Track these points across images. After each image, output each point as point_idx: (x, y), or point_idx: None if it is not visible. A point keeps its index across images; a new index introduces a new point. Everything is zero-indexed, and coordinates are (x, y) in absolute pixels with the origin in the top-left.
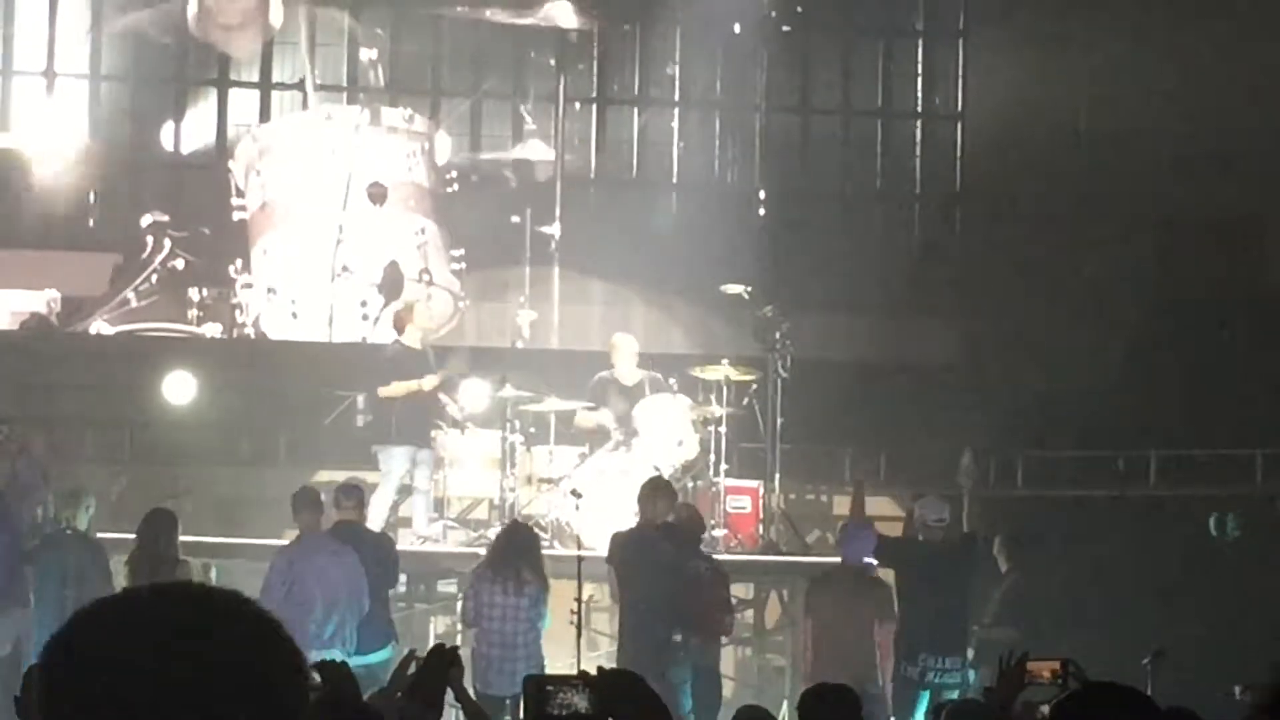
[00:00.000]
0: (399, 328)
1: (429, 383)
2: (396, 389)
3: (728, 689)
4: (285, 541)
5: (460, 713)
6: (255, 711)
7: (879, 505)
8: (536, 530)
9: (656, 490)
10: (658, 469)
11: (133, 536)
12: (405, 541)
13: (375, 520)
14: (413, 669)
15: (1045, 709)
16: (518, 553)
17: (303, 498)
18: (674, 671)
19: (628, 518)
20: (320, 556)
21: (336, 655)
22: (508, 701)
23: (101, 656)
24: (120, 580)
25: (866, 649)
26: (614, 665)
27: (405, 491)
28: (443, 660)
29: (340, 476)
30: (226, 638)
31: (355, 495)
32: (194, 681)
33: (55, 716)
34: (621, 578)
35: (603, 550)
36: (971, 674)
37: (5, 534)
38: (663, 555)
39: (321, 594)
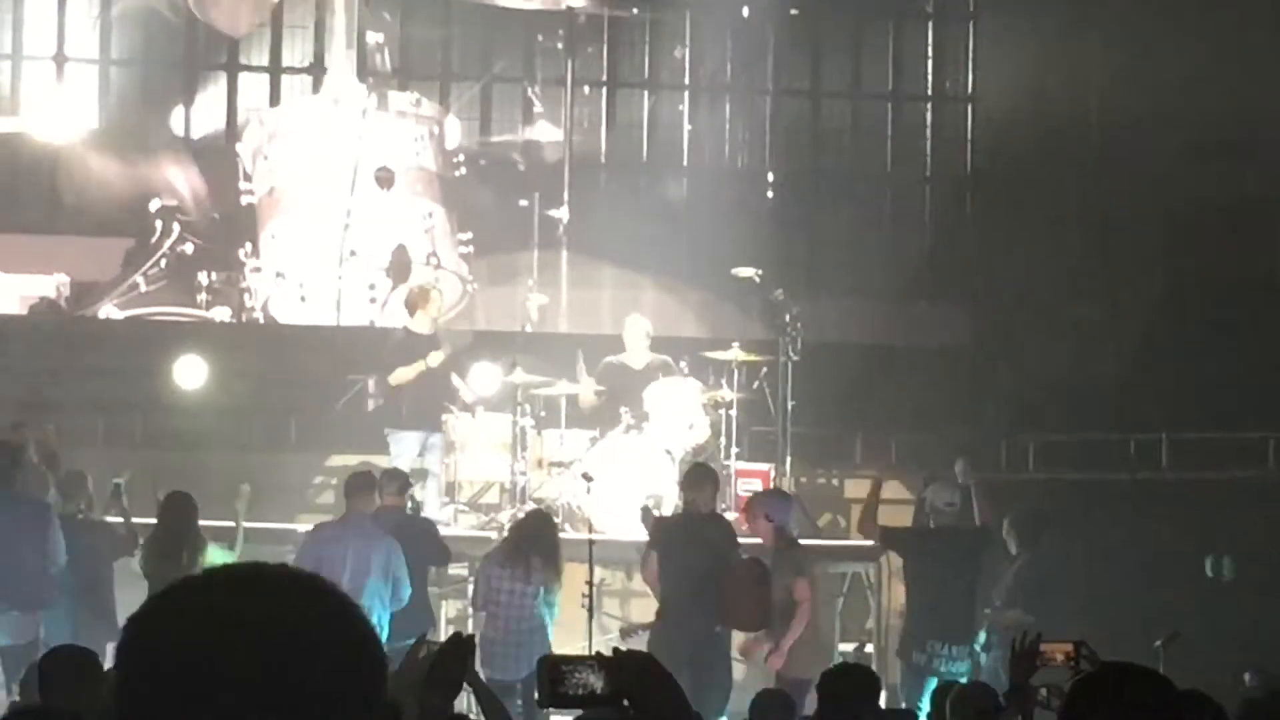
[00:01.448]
0: (410, 310)
1: (435, 359)
2: (405, 375)
3: (738, 671)
4: (299, 526)
5: (472, 696)
6: (332, 704)
7: (889, 488)
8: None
9: (701, 477)
10: (669, 452)
11: (138, 521)
12: None
13: None
14: (424, 654)
15: (1044, 691)
16: (531, 542)
17: (355, 481)
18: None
19: (638, 500)
20: (353, 541)
21: None
22: (518, 686)
23: (178, 639)
24: (135, 564)
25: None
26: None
27: (418, 475)
28: (460, 649)
29: (352, 461)
30: (309, 624)
31: (398, 480)
32: (269, 668)
33: (130, 697)
34: (663, 566)
35: (614, 533)
36: (984, 657)
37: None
38: (709, 545)
39: (347, 579)
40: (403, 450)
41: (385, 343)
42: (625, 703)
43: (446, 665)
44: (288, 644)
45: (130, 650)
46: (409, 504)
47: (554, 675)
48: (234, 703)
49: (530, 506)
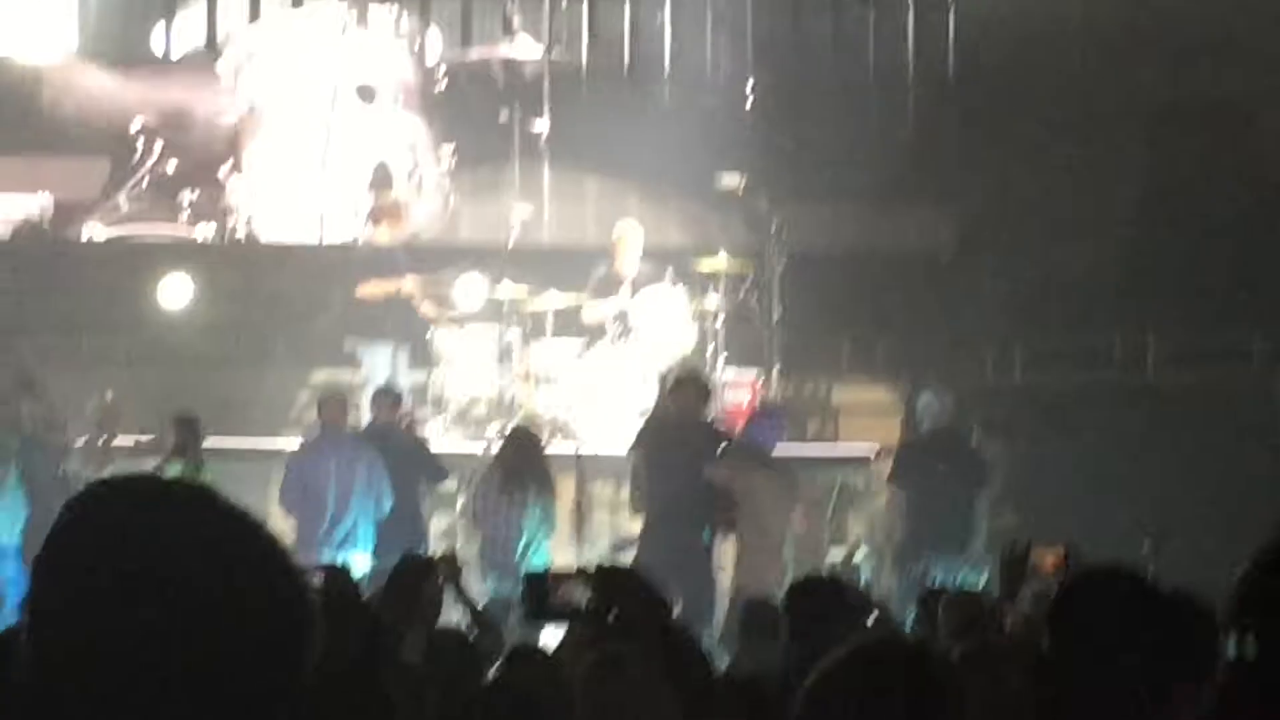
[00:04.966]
0: (375, 220)
1: (408, 285)
2: (373, 290)
3: (723, 581)
4: (282, 440)
5: (465, 611)
6: (259, 634)
7: (875, 394)
8: (538, 430)
9: (683, 383)
10: (656, 361)
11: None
12: None
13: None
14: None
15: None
16: (524, 466)
17: (327, 397)
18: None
19: (625, 411)
20: (335, 456)
21: (352, 556)
22: (514, 601)
23: (94, 556)
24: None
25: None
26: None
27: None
28: (417, 569)
29: (337, 376)
30: (233, 547)
31: (391, 395)
32: (177, 579)
33: (41, 612)
34: (648, 475)
35: (600, 448)
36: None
37: None
38: (692, 452)
39: (335, 494)
40: (376, 363)
41: (348, 255)
42: (610, 617)
43: (400, 585)
44: (197, 553)
45: (47, 559)
46: (402, 420)
47: (539, 590)
48: (145, 617)
49: (515, 425)
